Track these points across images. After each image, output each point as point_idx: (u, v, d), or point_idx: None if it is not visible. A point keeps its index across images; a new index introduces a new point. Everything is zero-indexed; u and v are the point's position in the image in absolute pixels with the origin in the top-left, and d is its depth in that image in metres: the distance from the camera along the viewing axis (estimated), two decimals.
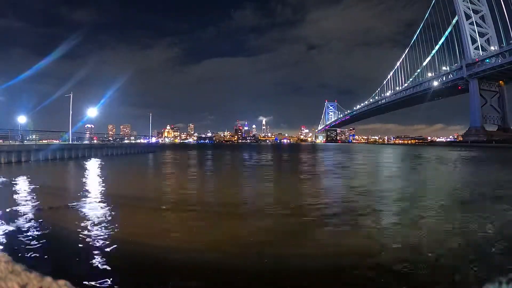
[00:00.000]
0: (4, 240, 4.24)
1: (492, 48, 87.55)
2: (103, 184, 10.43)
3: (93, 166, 17.74)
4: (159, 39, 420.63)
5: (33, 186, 9.43)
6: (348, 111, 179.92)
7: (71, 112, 28.23)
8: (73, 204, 6.71)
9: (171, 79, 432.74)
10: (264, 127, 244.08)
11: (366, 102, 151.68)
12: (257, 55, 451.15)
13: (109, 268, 3.39)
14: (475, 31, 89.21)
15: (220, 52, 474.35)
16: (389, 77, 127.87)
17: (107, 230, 4.76)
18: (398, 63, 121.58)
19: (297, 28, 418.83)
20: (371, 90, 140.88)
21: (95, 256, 3.71)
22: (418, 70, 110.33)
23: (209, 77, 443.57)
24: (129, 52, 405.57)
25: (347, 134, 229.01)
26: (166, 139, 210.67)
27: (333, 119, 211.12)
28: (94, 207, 6.47)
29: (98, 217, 5.58)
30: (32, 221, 5.22)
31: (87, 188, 9.55)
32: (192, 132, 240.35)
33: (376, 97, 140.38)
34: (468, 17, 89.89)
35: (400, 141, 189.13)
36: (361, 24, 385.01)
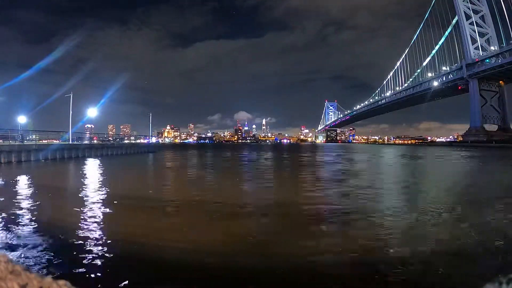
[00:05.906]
0: (4, 240, 4.25)
1: (492, 48, 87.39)
2: (103, 184, 10.43)
3: (92, 166, 17.75)
4: (130, 12, 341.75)
5: (32, 186, 9.44)
6: (348, 111, 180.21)
7: (71, 112, 28.29)
8: (73, 203, 6.72)
9: (162, 68, 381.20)
10: (264, 127, 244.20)
11: (366, 102, 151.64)
12: (259, 36, 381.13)
13: (109, 268, 3.40)
14: (475, 31, 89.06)
15: (216, 33, 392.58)
16: (389, 77, 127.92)
17: (107, 230, 4.77)
18: (398, 63, 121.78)
19: None
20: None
21: (95, 256, 3.71)
22: (418, 70, 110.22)
23: (203, 65, 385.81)
24: (101, 31, 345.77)
25: (347, 134, 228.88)
26: (166, 139, 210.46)
27: (333, 119, 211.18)
28: (93, 207, 6.47)
29: (98, 217, 5.59)
30: (31, 221, 5.23)
31: (86, 187, 9.55)
32: (192, 132, 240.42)
33: (376, 97, 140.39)
34: (468, 17, 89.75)
35: (400, 141, 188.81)
36: None
